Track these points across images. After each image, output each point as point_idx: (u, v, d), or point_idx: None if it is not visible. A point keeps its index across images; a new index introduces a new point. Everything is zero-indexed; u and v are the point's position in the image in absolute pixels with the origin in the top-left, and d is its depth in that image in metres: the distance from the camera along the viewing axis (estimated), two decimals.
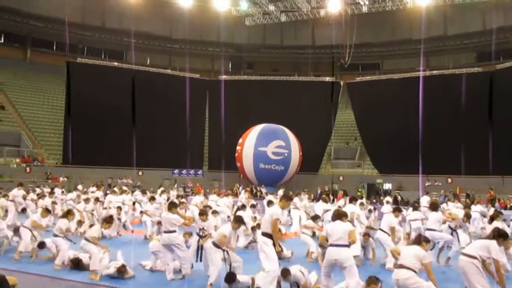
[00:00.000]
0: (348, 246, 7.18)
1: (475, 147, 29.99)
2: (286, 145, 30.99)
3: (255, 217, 15.04)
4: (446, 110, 30.90)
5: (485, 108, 31.12)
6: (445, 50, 42.39)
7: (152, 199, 15.69)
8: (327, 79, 39.24)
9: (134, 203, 17.32)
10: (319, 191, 29.84)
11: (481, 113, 30.98)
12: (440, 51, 42.46)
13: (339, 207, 13.42)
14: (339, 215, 7.72)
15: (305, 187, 30.62)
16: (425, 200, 18.98)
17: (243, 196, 22.44)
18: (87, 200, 15.41)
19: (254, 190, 29.09)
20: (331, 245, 7.20)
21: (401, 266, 6.86)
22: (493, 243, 6.72)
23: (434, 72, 35.52)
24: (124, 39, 43.61)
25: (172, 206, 9.07)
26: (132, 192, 21.65)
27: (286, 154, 30.84)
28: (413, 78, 34.20)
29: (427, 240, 7.50)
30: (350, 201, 13.62)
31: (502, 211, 17.53)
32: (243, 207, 15.12)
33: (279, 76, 41.01)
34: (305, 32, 45.66)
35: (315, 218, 12.02)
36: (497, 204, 24.05)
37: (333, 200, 26.33)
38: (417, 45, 40.18)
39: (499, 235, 6.85)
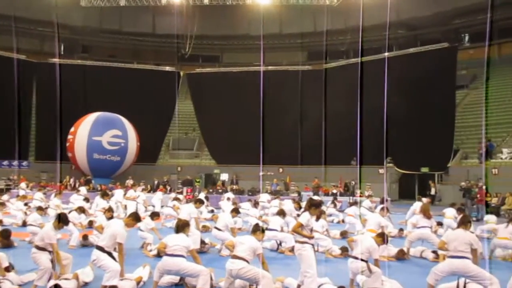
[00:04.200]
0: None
1: (307, 139, 32.69)
2: (122, 134, 29.80)
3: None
4: (281, 104, 32.93)
5: (318, 103, 33.69)
6: (280, 48, 44.86)
7: None
8: (167, 68, 38.72)
9: None
10: (156, 182, 29.38)
11: (314, 108, 33.50)
12: (276, 48, 44.77)
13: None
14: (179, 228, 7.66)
15: (143, 178, 29.99)
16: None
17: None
18: None
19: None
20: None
21: (236, 257, 6.96)
22: (305, 213, 7.23)
23: (270, 67, 37.45)
24: None
25: None
26: None
27: (122, 144, 29.67)
28: (251, 72, 35.74)
29: (262, 230, 7.73)
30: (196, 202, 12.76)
31: (325, 197, 19.70)
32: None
33: (117, 62, 39.16)
34: (146, 19, 44.27)
35: (154, 215, 11.79)
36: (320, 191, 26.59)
37: (170, 190, 26.23)
38: (255, 41, 42.03)
39: (310, 205, 7.31)
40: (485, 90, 34.22)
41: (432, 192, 27.91)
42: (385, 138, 23.92)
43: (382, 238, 8.15)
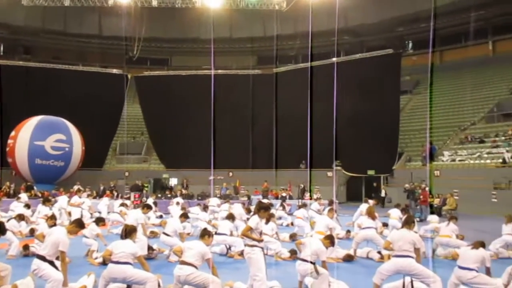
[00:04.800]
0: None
1: (257, 143, 32.86)
2: (67, 139, 28.82)
3: None
4: (231, 108, 32.87)
5: (268, 108, 33.89)
6: (230, 52, 44.87)
7: None
8: (115, 71, 37.81)
9: None
10: (102, 188, 28.64)
11: (265, 112, 33.68)
12: (226, 52, 44.75)
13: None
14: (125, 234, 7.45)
15: (88, 183, 29.17)
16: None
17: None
18: None
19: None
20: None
21: (184, 263, 6.84)
22: (254, 217, 7.24)
23: (220, 71, 37.34)
24: None
25: None
26: None
27: (67, 149, 28.69)
28: (200, 76, 35.57)
29: (210, 234, 7.66)
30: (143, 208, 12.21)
31: (274, 200, 19.89)
32: None
33: (61, 64, 37.85)
34: (92, 20, 43.16)
35: (99, 220, 11.43)
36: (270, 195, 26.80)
37: (117, 196, 25.63)
38: (205, 45, 41.87)
39: (259, 208, 7.32)
40: (429, 95, 35.58)
41: (382, 194, 28.74)
42: (334, 141, 24.37)
43: (329, 240, 8.25)
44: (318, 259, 7.63)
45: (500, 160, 25.77)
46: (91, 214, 18.21)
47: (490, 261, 7.27)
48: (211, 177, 31.81)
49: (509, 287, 7.45)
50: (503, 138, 28.40)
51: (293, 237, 13.64)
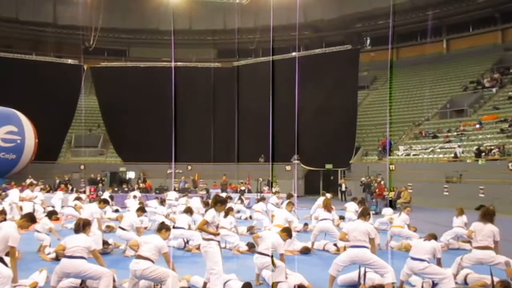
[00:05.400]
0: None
1: (216, 137, 32.72)
2: (19, 131, 27.81)
3: None
4: (189, 100, 32.52)
5: (226, 101, 33.75)
6: (190, 44, 44.38)
7: None
8: (70, 61, 36.68)
9: None
10: (57, 181, 27.86)
11: (225, 106, 33.54)
12: (185, 44, 44.23)
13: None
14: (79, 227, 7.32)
15: (42, 177, 28.33)
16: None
17: None
18: None
19: None
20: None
21: (140, 257, 6.74)
22: (211, 210, 7.30)
23: (179, 63, 36.86)
24: None
25: None
26: None
27: (18, 141, 27.68)
28: (158, 67, 35.03)
29: (168, 228, 7.56)
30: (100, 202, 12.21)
31: (233, 194, 19.94)
32: None
33: (13, 53, 36.38)
34: (46, 9, 41.61)
35: (51, 214, 11.14)
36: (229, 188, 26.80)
37: (72, 190, 25.09)
38: (163, 36, 41.31)
39: (216, 202, 7.35)
40: (389, 90, 36.37)
41: (343, 188, 29.22)
42: (296, 135, 24.56)
43: (287, 233, 8.33)
44: (276, 252, 7.67)
45: (452, 155, 26.67)
46: (44, 208, 17.62)
47: (441, 252, 7.51)
48: (170, 170, 31.60)
49: (458, 276, 7.77)
50: (455, 133, 29.39)
51: (250, 229, 13.68)
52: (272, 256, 7.53)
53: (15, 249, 6.94)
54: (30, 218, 7.79)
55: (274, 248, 7.64)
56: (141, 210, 12.06)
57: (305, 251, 10.84)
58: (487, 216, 7.75)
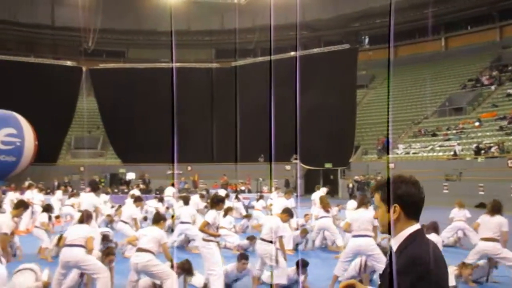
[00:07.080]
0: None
1: (216, 137, 32.73)
2: (18, 133, 27.83)
3: None
4: (188, 101, 32.44)
5: (229, 101, 33.61)
6: (188, 45, 44.37)
7: None
8: (68, 63, 36.69)
9: None
10: (56, 183, 27.83)
11: (223, 106, 33.48)
12: (183, 45, 44.22)
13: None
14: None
15: (42, 179, 28.28)
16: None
17: None
18: None
19: None
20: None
21: (140, 250, 6.70)
22: (211, 211, 7.28)
23: (178, 64, 36.84)
24: None
25: None
26: None
27: (18, 143, 27.70)
28: (157, 68, 35.02)
29: (164, 219, 7.60)
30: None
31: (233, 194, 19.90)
32: None
33: (11, 56, 36.35)
34: (43, 10, 41.61)
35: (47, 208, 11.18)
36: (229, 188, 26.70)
37: (72, 191, 24.91)
38: (162, 37, 41.27)
39: (215, 201, 7.35)
40: (388, 89, 36.39)
41: (350, 185, 29.18)
42: (297, 135, 24.53)
43: (287, 213, 8.16)
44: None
45: (452, 153, 26.68)
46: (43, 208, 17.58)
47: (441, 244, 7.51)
48: (170, 171, 31.55)
49: None
50: (454, 131, 29.40)
51: (248, 217, 13.69)
52: (275, 244, 7.37)
53: (7, 236, 7.20)
54: (22, 204, 7.97)
55: (274, 233, 7.44)
56: (138, 200, 11.90)
57: (304, 233, 10.99)
58: (495, 208, 7.77)
